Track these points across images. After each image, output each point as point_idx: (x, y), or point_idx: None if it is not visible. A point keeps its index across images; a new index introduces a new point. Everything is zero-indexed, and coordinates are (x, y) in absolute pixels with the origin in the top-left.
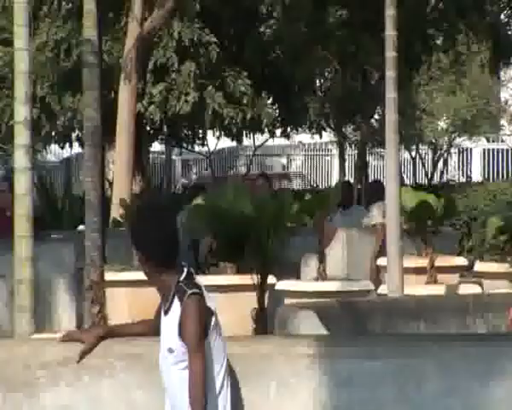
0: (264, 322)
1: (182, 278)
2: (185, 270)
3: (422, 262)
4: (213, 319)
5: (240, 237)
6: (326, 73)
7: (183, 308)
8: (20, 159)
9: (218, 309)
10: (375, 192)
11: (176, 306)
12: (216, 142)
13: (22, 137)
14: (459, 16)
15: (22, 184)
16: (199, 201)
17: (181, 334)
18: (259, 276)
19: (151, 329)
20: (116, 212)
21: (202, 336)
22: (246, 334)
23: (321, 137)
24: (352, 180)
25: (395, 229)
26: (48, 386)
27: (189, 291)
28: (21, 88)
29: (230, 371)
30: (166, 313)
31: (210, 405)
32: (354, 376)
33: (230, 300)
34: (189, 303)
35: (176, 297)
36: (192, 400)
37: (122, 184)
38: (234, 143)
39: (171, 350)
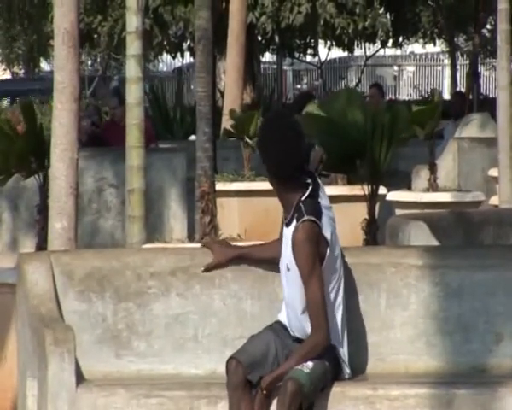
0: (375, 233)
1: (304, 198)
2: (310, 188)
3: None
4: (328, 250)
5: (351, 148)
6: None
7: (295, 232)
8: (132, 68)
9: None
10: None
11: (294, 224)
12: (327, 52)
13: (134, 46)
14: None
15: (133, 93)
16: (310, 108)
17: (294, 257)
18: (370, 186)
19: (280, 253)
20: (227, 122)
21: (313, 263)
22: (356, 245)
23: (435, 45)
24: (463, 90)
25: (506, 139)
26: (159, 296)
27: (305, 217)
28: None
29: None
30: (287, 225)
31: (332, 328)
32: (465, 287)
33: (341, 210)
34: (300, 229)
35: (295, 215)
36: (313, 323)
37: (233, 94)
38: (345, 54)
39: (288, 268)
